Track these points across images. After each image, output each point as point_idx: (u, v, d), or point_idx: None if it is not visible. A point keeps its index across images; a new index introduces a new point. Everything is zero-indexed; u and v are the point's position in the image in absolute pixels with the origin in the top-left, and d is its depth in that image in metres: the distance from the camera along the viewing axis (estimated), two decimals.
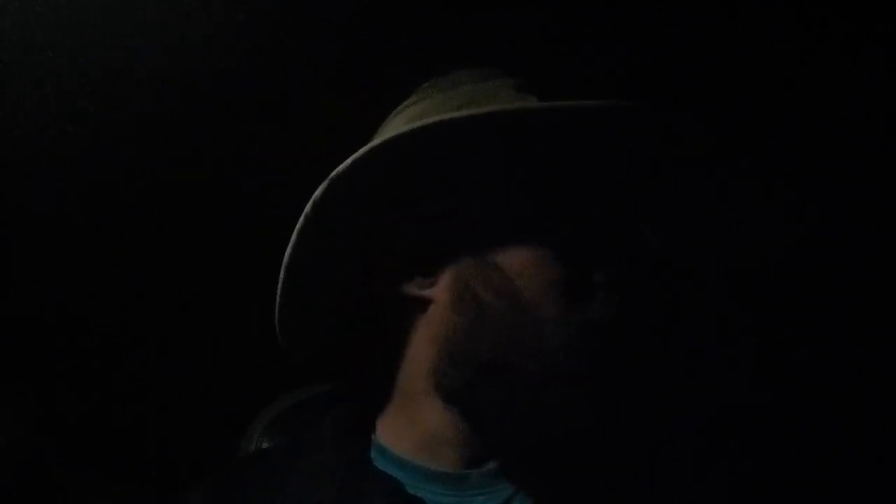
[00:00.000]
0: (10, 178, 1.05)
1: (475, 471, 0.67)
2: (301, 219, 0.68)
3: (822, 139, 0.96)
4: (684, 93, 0.96)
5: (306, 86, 0.98)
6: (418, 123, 0.64)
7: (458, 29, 0.93)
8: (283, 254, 0.71)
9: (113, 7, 0.90)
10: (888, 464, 0.83)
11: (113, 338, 1.18)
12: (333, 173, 0.65)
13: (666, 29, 0.93)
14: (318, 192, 0.66)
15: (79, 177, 1.05)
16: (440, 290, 0.68)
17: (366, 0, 0.92)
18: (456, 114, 0.64)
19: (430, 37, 0.93)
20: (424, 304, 0.69)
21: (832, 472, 0.77)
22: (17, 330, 1.15)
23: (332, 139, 0.67)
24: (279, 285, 0.71)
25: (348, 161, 0.65)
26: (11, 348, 1.15)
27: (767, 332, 0.94)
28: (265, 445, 0.89)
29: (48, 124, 1.00)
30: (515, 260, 0.66)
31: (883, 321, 0.93)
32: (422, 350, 0.69)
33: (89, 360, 1.19)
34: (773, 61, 0.95)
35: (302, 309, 0.73)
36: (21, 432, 1.14)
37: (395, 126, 0.70)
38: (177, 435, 1.17)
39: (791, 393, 0.90)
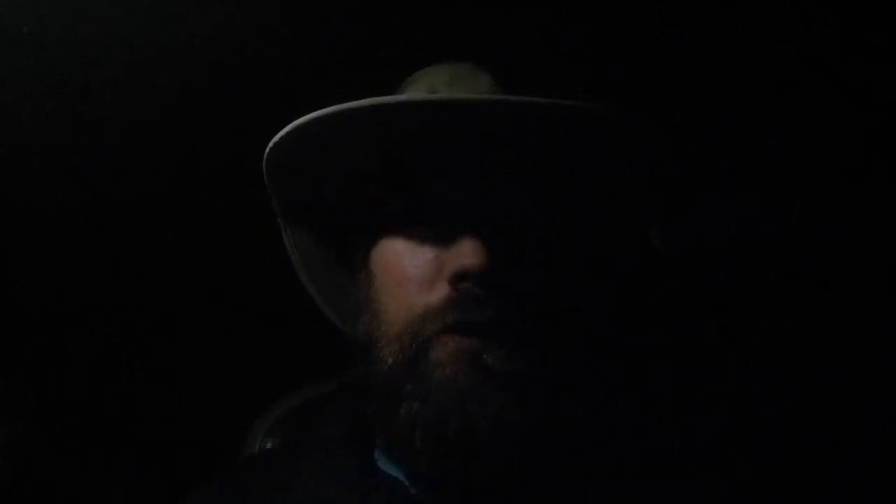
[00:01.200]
0: (10, 178, 1.05)
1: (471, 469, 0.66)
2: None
3: (818, 139, 0.96)
4: (671, 95, 0.96)
5: (306, 86, 0.98)
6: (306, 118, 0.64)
7: (458, 29, 0.93)
8: (286, 255, 0.74)
9: (112, 8, 0.90)
10: (888, 464, 0.83)
11: (114, 337, 1.18)
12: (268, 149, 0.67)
13: (653, 28, 0.93)
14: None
15: (79, 177, 1.05)
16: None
17: (366, 0, 0.92)
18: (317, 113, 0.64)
19: (430, 36, 0.93)
20: None
21: (832, 472, 0.78)
22: (17, 330, 1.15)
23: None
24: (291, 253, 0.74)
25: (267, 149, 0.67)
26: (11, 348, 1.15)
27: (764, 332, 0.94)
28: (269, 446, 0.90)
29: (48, 125, 1.00)
30: (376, 260, 0.67)
31: (882, 321, 0.93)
32: None
33: (90, 359, 1.19)
34: (767, 61, 0.95)
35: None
36: (21, 432, 1.14)
37: None
38: (178, 435, 1.17)
39: (789, 393, 0.90)
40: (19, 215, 1.08)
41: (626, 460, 0.67)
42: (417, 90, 0.70)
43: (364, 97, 0.63)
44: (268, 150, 0.67)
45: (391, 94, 0.73)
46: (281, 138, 0.65)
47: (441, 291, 0.62)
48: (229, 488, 0.72)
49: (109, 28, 0.92)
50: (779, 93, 0.96)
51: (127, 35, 0.92)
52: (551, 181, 0.65)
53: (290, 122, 0.66)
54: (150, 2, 0.90)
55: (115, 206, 1.08)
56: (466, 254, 0.60)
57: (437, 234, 0.64)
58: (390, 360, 0.63)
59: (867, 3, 0.89)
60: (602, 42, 0.94)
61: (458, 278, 0.61)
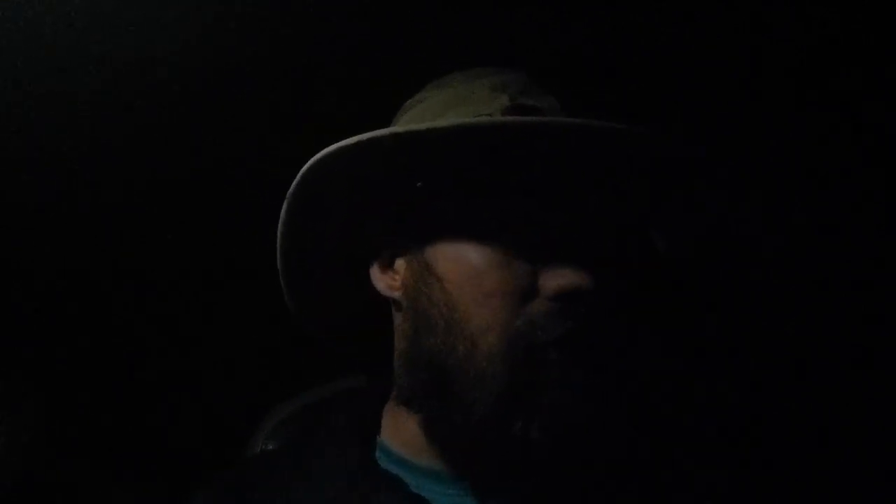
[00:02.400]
0: (10, 178, 1.05)
1: (471, 470, 0.67)
2: (283, 211, 0.69)
3: (818, 139, 0.96)
4: (679, 91, 0.96)
5: (307, 86, 0.98)
6: (352, 140, 0.64)
7: (458, 29, 0.93)
8: None
9: (113, 7, 0.90)
10: (888, 464, 0.83)
11: (115, 338, 1.18)
12: (305, 167, 0.66)
13: (661, 28, 0.93)
14: (294, 184, 0.67)
15: (79, 177, 1.05)
16: (401, 293, 0.69)
17: (367, 1, 0.92)
18: (368, 135, 0.63)
19: (431, 37, 0.93)
20: (396, 303, 0.70)
21: (831, 472, 0.78)
22: (18, 330, 1.16)
23: (334, 139, 0.67)
24: (280, 272, 0.73)
25: (319, 155, 0.66)
26: (13, 348, 1.15)
27: (764, 332, 0.94)
28: (271, 447, 0.90)
29: (48, 124, 1.00)
30: (453, 268, 0.65)
31: (882, 321, 0.94)
32: (396, 350, 0.71)
33: (92, 360, 1.19)
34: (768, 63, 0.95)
35: (312, 300, 0.75)
36: (24, 433, 1.14)
37: (399, 124, 0.71)
38: (179, 435, 1.17)
39: (788, 393, 0.90)
40: (19, 215, 1.08)
41: (632, 460, 0.68)
42: (488, 95, 0.68)
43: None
44: (338, 148, 0.65)
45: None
46: (371, 140, 0.63)
47: (542, 305, 0.62)
48: (229, 488, 0.72)
49: (109, 28, 0.92)
50: (779, 93, 0.96)
51: (127, 35, 0.92)
52: (621, 197, 0.67)
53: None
54: (150, 2, 0.90)
55: (115, 205, 1.08)
56: (573, 270, 0.62)
57: (531, 247, 0.64)
58: (486, 375, 0.62)
59: (867, 3, 0.89)
60: (602, 42, 0.94)
61: (566, 295, 0.62)
